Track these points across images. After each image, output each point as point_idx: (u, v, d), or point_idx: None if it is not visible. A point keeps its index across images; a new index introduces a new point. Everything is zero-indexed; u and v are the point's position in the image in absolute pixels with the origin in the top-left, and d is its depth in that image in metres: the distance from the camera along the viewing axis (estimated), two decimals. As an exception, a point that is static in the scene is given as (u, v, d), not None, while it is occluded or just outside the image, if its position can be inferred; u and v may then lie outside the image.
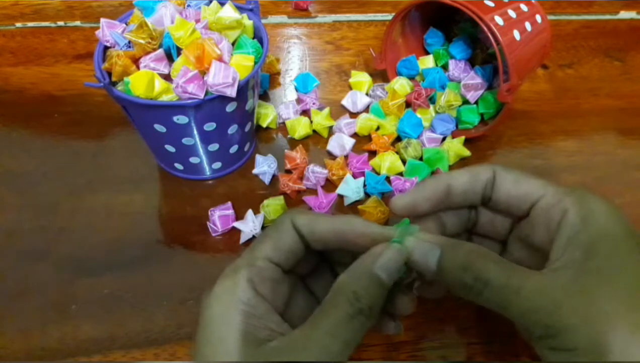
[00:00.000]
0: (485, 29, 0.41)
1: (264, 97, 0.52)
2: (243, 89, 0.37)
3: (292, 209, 0.27)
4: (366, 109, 0.51)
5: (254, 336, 0.22)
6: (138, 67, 0.37)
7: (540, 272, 0.23)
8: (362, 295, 0.22)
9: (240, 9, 0.41)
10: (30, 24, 0.59)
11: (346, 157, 0.46)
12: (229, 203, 0.41)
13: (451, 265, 0.24)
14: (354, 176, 0.44)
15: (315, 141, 0.48)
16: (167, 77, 0.37)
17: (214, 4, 0.40)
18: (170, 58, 0.38)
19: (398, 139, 0.47)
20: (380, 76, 0.54)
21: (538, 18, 0.46)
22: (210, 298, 0.23)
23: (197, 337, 0.23)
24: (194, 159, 0.41)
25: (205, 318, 0.23)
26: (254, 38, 0.41)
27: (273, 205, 0.40)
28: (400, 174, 0.44)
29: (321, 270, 0.29)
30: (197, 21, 0.39)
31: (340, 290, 0.23)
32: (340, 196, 0.43)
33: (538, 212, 0.26)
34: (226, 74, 0.35)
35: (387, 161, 0.44)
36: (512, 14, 0.44)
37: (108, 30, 0.38)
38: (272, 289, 0.25)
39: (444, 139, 0.47)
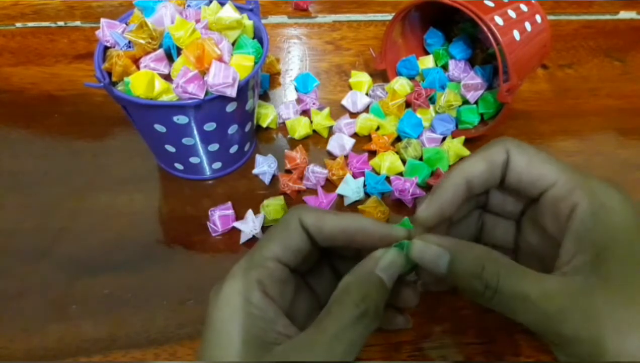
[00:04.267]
0: (485, 29, 0.41)
1: (264, 97, 0.52)
2: (243, 89, 0.37)
3: (297, 207, 0.26)
4: (366, 109, 0.51)
5: (261, 340, 0.22)
6: (138, 67, 0.37)
7: (550, 276, 0.22)
8: (365, 297, 0.23)
9: (240, 9, 0.41)
10: (30, 24, 0.59)
11: (346, 157, 0.46)
12: (229, 203, 0.41)
13: (461, 270, 0.23)
14: (354, 176, 0.44)
15: (315, 141, 0.48)
16: (167, 77, 0.37)
17: (214, 4, 0.40)
18: (170, 58, 0.38)
19: (398, 139, 0.47)
20: (380, 76, 0.54)
21: (538, 18, 0.46)
22: (219, 298, 0.23)
23: (204, 337, 0.23)
24: (194, 159, 0.41)
25: (214, 319, 0.23)
26: (254, 38, 0.41)
27: (273, 205, 0.40)
28: (400, 174, 0.44)
29: (321, 267, 0.29)
30: (197, 21, 0.39)
31: (345, 292, 0.23)
32: (340, 196, 0.43)
33: (547, 201, 0.25)
34: (226, 74, 0.35)
35: (387, 161, 0.44)
36: (512, 14, 0.44)
37: (108, 31, 0.38)
38: (281, 291, 0.24)
39: (444, 139, 0.47)
